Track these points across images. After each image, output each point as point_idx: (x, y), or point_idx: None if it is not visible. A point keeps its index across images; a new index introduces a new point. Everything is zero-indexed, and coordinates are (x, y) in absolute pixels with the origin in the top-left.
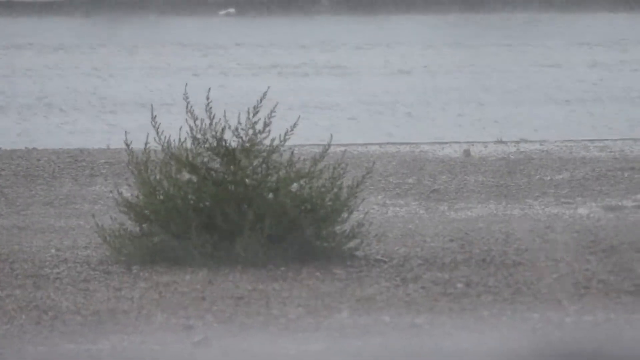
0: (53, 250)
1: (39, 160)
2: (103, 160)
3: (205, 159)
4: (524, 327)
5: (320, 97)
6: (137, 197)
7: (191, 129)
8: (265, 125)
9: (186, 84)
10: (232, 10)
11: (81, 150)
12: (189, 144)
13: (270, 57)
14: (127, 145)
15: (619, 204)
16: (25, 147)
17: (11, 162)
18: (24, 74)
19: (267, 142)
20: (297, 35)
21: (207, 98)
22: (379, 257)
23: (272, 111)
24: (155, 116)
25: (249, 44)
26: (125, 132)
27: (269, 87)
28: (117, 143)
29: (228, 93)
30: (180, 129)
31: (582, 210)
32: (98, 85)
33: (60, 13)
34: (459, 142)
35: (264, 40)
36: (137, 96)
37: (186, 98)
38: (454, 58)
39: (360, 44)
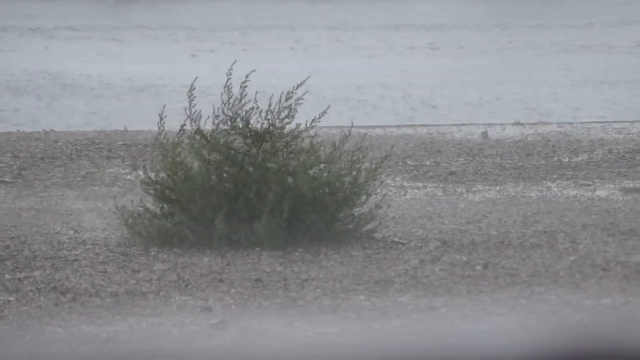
0: (71, 232)
1: (56, 142)
2: (120, 142)
3: (230, 139)
4: (542, 310)
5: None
6: (159, 176)
7: (218, 109)
8: (291, 110)
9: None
10: None
11: (99, 132)
12: (216, 125)
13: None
14: (161, 118)
15: (638, 185)
16: (43, 130)
17: (29, 144)
18: None
19: (292, 126)
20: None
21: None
22: (396, 239)
23: (299, 97)
24: (194, 88)
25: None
26: (163, 112)
27: (309, 76)
28: (136, 125)
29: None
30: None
31: (600, 192)
32: None
33: None
34: (477, 124)
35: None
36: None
37: (229, 75)
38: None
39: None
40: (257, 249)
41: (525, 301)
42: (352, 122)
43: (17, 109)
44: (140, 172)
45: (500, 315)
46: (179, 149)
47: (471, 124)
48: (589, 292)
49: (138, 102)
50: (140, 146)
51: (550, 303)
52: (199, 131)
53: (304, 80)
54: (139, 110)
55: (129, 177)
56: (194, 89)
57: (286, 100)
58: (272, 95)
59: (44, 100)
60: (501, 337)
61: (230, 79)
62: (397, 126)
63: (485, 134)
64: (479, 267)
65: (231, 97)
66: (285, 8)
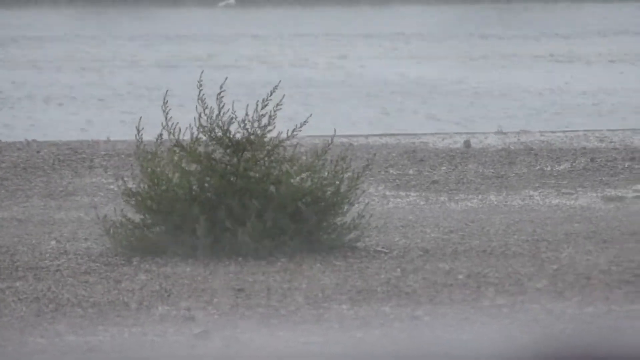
0: (53, 242)
1: (38, 152)
2: (103, 152)
3: (210, 149)
4: (525, 318)
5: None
6: (140, 186)
7: (199, 117)
8: (271, 118)
9: (202, 72)
10: (232, 1)
11: (80, 142)
12: (195, 134)
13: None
14: (138, 130)
15: (619, 194)
16: (25, 139)
17: (11, 154)
18: None
19: (272, 134)
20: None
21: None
22: (379, 248)
23: (277, 105)
24: (167, 101)
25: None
26: (140, 118)
27: (280, 81)
28: (115, 135)
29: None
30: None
31: (582, 201)
32: None
33: None
34: (460, 133)
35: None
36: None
37: (199, 86)
38: None
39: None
40: (239, 258)
41: (507, 310)
42: (334, 131)
43: None
44: (122, 181)
45: (482, 324)
46: (157, 159)
47: (454, 133)
48: (572, 300)
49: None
50: (122, 156)
51: (533, 312)
52: (178, 143)
53: (276, 87)
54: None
55: (111, 187)
56: (166, 101)
57: (262, 108)
58: (248, 105)
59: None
60: (484, 346)
61: (201, 89)
62: (379, 135)
63: (467, 143)
64: (461, 276)
65: (207, 108)
66: None
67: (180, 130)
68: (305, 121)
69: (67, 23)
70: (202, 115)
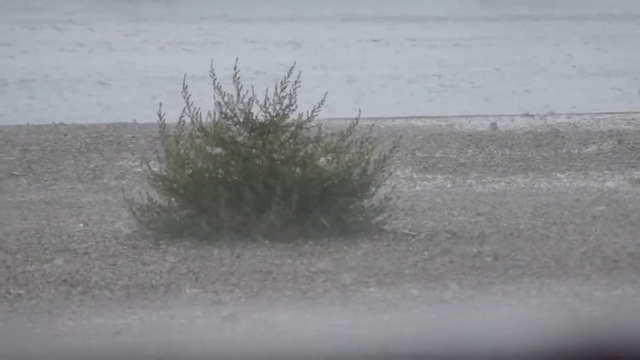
0: (81, 225)
1: (65, 135)
2: (130, 135)
3: (233, 133)
4: (552, 301)
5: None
6: (166, 170)
7: (219, 103)
8: (292, 99)
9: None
10: None
11: (108, 125)
12: (217, 118)
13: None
14: (160, 117)
15: None
16: (53, 122)
17: (39, 137)
18: None
19: (294, 116)
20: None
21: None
22: (406, 231)
23: (295, 85)
24: (187, 86)
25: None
26: (160, 104)
27: (295, 62)
28: (145, 117)
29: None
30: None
31: (610, 184)
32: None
33: None
34: (486, 116)
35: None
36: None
37: (212, 72)
38: None
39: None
40: (266, 241)
41: (535, 293)
42: (359, 113)
43: None
44: (147, 166)
45: (510, 307)
46: (181, 143)
47: (480, 115)
48: (600, 283)
49: None
50: (150, 139)
51: (561, 295)
52: (201, 128)
53: (292, 68)
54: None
55: (138, 169)
56: (186, 87)
57: (282, 90)
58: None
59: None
60: (511, 329)
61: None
62: (405, 118)
63: (494, 126)
64: (488, 259)
65: (225, 95)
66: None
67: (200, 115)
68: (322, 100)
69: (90, 8)
70: (221, 101)
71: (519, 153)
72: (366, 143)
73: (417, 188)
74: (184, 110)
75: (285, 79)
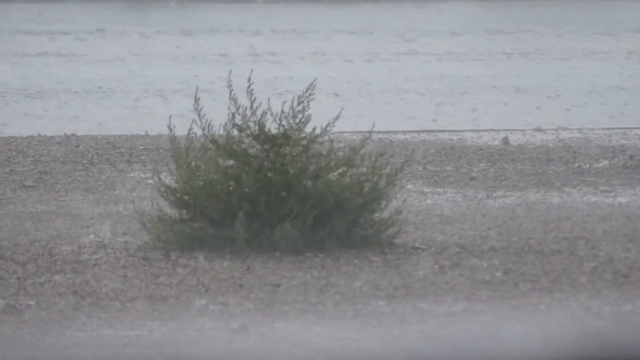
0: (92, 236)
1: (77, 146)
2: (142, 147)
3: (245, 146)
4: (562, 316)
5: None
6: (177, 182)
7: (232, 115)
8: (305, 113)
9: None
10: None
11: (119, 137)
12: (230, 130)
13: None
14: (170, 129)
15: None
16: (64, 133)
17: (50, 148)
18: None
19: (307, 129)
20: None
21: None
22: (416, 244)
23: (307, 98)
24: (199, 99)
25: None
26: (170, 117)
27: (315, 78)
28: (155, 129)
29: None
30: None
31: (621, 199)
32: None
33: None
34: (498, 130)
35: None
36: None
37: (229, 83)
38: None
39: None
40: (277, 253)
41: (545, 307)
42: (373, 127)
43: None
44: (158, 178)
45: (520, 321)
46: (191, 155)
47: (492, 130)
48: (610, 298)
49: None
50: (161, 150)
51: (571, 309)
52: (213, 141)
53: (312, 83)
54: None
55: (149, 181)
56: (198, 99)
57: (298, 104)
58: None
59: None
60: (521, 343)
61: (231, 88)
62: (417, 131)
63: (506, 140)
64: (498, 273)
65: (240, 107)
66: None
67: (212, 127)
68: (338, 115)
69: (101, 17)
70: (236, 113)
71: (530, 167)
72: (379, 158)
73: (428, 201)
74: (193, 122)
75: (303, 94)
